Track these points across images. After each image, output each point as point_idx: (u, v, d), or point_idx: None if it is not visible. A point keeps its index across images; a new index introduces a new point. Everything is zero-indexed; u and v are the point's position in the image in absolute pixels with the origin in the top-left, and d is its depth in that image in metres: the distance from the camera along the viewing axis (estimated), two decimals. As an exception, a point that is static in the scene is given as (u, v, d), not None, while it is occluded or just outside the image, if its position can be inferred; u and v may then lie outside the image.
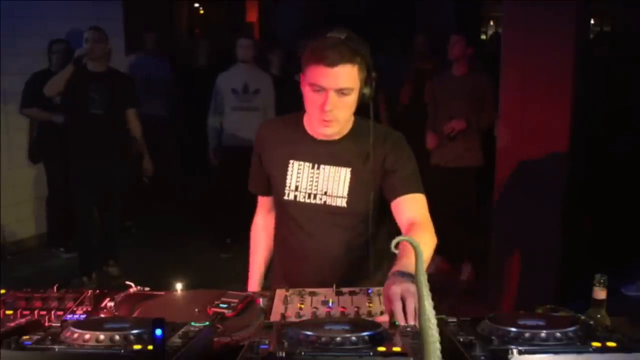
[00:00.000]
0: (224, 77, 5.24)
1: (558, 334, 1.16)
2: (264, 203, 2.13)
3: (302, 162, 1.91)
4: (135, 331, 1.21)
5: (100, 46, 4.48)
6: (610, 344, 1.13)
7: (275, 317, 1.53)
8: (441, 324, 1.09)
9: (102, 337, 1.19)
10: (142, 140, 4.85)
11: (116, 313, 1.66)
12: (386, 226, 1.89)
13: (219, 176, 5.37)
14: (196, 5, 11.34)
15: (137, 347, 1.16)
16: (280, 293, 1.70)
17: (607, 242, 4.37)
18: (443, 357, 1.03)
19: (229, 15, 11.23)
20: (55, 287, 1.72)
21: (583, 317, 1.33)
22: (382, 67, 6.39)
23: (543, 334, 1.17)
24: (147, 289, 1.82)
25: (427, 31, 5.96)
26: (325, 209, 1.89)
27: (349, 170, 1.87)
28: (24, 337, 1.21)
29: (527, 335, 1.17)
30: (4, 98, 5.17)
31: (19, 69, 5.13)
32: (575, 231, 3.75)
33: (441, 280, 4.62)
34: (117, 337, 1.19)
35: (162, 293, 1.81)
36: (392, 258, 1.70)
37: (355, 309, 1.57)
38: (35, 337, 1.21)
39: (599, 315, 1.55)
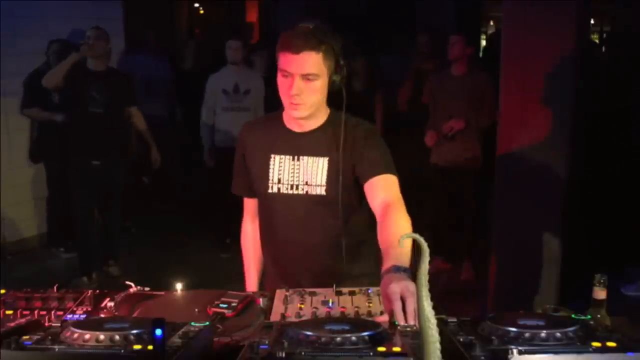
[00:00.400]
0: (215, 78, 5.26)
1: (558, 334, 1.16)
2: (249, 206, 2.19)
3: (282, 156, 1.99)
4: (135, 331, 1.21)
5: (102, 44, 4.49)
6: (610, 344, 1.14)
7: (275, 317, 1.53)
8: (441, 324, 1.09)
9: (102, 337, 1.19)
10: (147, 133, 4.95)
11: (116, 313, 1.66)
12: (365, 211, 1.93)
13: (214, 176, 5.38)
14: (196, 5, 11.34)
15: (137, 347, 1.16)
16: (280, 293, 1.70)
17: (607, 242, 4.37)
18: (443, 357, 1.03)
19: (229, 15, 11.21)
20: (55, 287, 1.73)
21: (583, 318, 1.33)
22: (383, 67, 6.33)
23: (543, 334, 1.17)
24: (147, 289, 1.82)
25: (427, 31, 5.95)
26: (307, 198, 1.96)
27: (326, 159, 1.95)
28: (24, 337, 1.21)
29: (527, 335, 1.17)
30: (4, 98, 5.17)
31: (19, 69, 5.13)
32: (576, 231, 3.74)
33: (441, 280, 4.62)
34: (117, 337, 1.19)
35: (162, 293, 1.81)
36: (371, 242, 1.79)
37: (355, 309, 1.57)
38: (35, 337, 1.21)
39: (599, 315, 1.55)
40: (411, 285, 1.42)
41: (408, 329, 1.27)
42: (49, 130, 5.14)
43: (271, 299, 1.67)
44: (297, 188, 1.96)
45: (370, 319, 1.47)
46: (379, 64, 6.16)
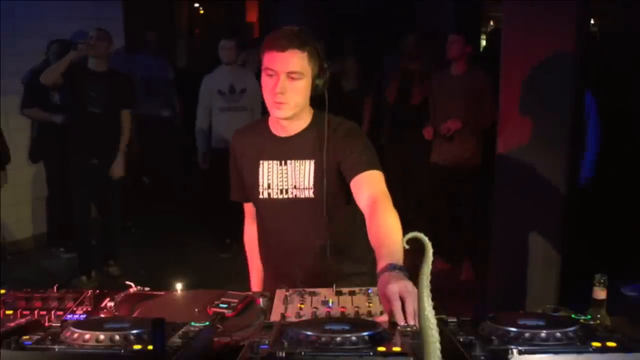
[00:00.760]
0: (209, 79, 5.25)
1: (558, 334, 1.16)
2: (248, 210, 2.21)
3: (270, 161, 2.01)
4: (135, 331, 1.21)
5: (104, 44, 4.50)
6: (610, 344, 1.14)
7: (275, 317, 1.54)
8: (441, 324, 1.09)
9: (102, 337, 1.19)
10: (126, 140, 4.73)
11: (116, 313, 1.66)
12: (355, 210, 1.93)
13: (212, 177, 5.38)
14: (196, 5, 11.34)
15: (137, 347, 1.16)
16: (280, 293, 1.70)
17: (607, 242, 4.37)
18: (443, 357, 1.03)
19: (229, 15, 11.22)
20: (55, 287, 1.72)
21: (583, 318, 1.33)
22: (383, 68, 6.32)
23: (543, 334, 1.17)
24: (147, 289, 1.82)
25: (426, 31, 5.95)
26: (297, 202, 1.98)
27: (312, 162, 1.97)
28: (24, 337, 1.21)
29: (527, 335, 1.17)
30: (4, 98, 5.17)
31: (19, 69, 5.13)
32: (575, 231, 3.74)
33: (441, 280, 4.62)
34: (117, 337, 1.19)
35: (162, 293, 1.81)
36: (362, 240, 1.79)
37: (355, 309, 1.57)
38: (35, 337, 1.21)
39: (599, 315, 1.55)
40: (409, 285, 1.42)
41: (408, 329, 1.27)
42: (48, 130, 5.14)
43: (271, 299, 1.67)
44: (286, 192, 1.99)
45: (370, 319, 1.47)
46: (380, 64, 6.16)
